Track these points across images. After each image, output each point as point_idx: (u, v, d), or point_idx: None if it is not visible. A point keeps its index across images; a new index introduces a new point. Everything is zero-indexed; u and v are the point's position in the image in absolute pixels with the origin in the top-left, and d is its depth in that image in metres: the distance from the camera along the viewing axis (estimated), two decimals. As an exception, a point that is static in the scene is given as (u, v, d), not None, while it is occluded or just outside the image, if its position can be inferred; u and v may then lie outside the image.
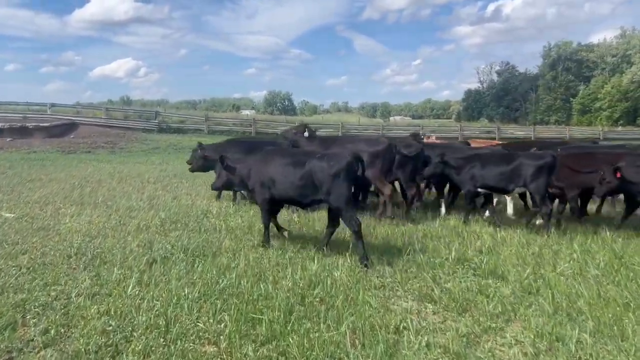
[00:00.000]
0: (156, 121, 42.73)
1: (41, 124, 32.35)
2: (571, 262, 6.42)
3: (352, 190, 6.43)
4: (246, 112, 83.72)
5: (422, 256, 6.50)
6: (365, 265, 6.09)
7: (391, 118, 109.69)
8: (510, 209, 10.33)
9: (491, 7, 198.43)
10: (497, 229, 8.36)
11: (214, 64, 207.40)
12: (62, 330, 4.25)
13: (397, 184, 10.29)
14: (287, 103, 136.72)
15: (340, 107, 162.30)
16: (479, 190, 8.84)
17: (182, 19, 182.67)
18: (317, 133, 11.10)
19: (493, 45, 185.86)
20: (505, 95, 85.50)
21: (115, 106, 66.39)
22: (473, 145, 12.79)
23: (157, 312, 4.55)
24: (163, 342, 4.04)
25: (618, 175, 7.78)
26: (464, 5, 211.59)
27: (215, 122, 45.66)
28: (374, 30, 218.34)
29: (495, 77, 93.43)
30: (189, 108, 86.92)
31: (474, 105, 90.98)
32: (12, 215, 8.52)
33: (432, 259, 6.42)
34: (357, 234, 6.26)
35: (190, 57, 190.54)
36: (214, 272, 5.69)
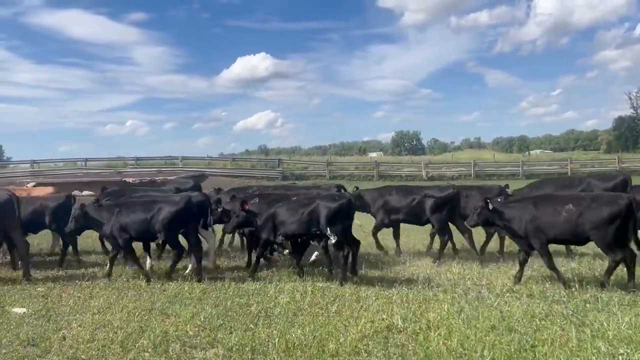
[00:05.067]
0: (280, 169, 42.92)
1: (169, 177, 33.46)
2: None
3: None
4: (372, 155, 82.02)
5: None
6: None
7: (532, 152, 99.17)
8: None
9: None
10: None
11: (344, 110, 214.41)
12: None
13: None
14: (415, 142, 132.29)
15: (472, 143, 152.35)
16: None
17: (314, 71, 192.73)
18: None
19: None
20: (665, 121, 72.32)
21: (252, 156, 69.53)
22: None
23: None
24: None
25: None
26: (608, 28, 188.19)
27: (338, 167, 44.83)
28: (507, 64, 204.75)
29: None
30: (319, 154, 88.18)
31: (628, 134, 78.34)
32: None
33: None
34: None
35: (322, 105, 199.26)
36: None
